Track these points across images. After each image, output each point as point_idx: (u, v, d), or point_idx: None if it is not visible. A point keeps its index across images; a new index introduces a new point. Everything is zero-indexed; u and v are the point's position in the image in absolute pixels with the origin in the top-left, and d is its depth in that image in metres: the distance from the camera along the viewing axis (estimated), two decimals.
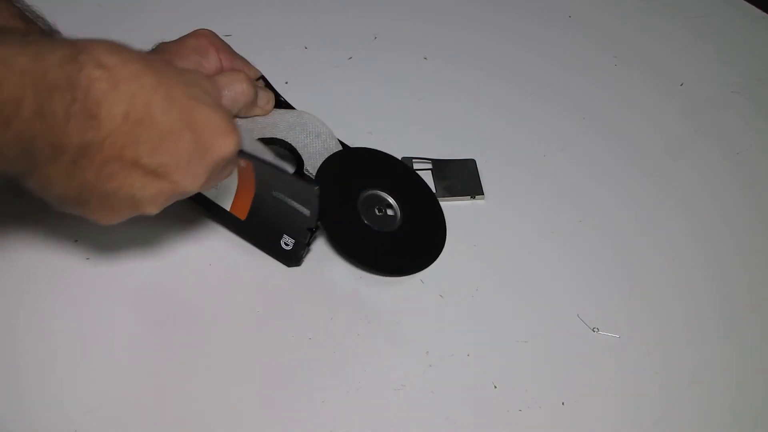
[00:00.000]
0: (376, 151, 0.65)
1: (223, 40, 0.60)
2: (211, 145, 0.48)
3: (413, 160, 0.68)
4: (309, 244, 0.59)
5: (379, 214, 0.62)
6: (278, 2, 0.83)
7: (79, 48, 0.42)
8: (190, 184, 0.48)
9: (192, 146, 0.47)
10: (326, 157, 0.62)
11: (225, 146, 0.48)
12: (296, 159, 0.62)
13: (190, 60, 0.58)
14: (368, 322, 0.58)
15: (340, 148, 0.63)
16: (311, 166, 0.62)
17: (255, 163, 0.57)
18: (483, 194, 0.67)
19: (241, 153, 0.53)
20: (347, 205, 0.61)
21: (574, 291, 0.62)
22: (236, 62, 0.61)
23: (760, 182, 0.72)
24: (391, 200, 0.63)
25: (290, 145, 0.62)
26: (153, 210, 0.49)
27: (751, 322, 0.61)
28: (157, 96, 0.45)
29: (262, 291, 0.59)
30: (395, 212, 0.62)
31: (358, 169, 0.64)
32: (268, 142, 0.62)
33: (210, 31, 0.60)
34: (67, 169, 0.44)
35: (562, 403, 0.55)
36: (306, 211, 0.57)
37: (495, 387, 0.55)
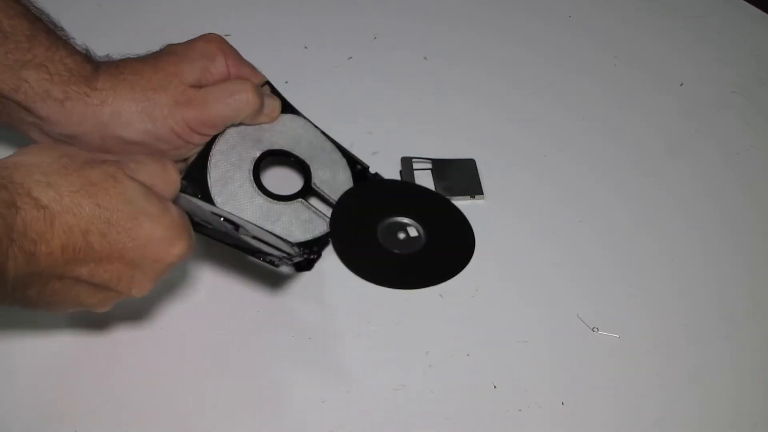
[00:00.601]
0: (392, 180, 0.65)
1: (231, 46, 0.60)
2: (156, 257, 0.46)
3: (413, 160, 0.68)
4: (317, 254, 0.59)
5: (402, 237, 0.62)
6: (278, 2, 0.83)
7: (15, 188, 0.41)
8: (136, 292, 0.47)
9: (135, 261, 0.46)
10: (332, 168, 0.63)
11: (171, 255, 0.47)
12: (304, 172, 0.62)
13: (197, 64, 0.58)
14: (368, 322, 0.58)
15: (344, 160, 0.64)
16: (318, 180, 0.62)
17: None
18: (483, 194, 0.67)
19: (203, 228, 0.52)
20: (367, 236, 0.61)
21: (574, 291, 0.62)
22: (243, 69, 0.60)
23: (760, 182, 0.72)
24: (412, 222, 0.63)
25: (298, 157, 0.62)
26: (104, 310, 0.48)
27: (751, 322, 0.61)
28: (94, 224, 0.44)
29: (262, 291, 0.59)
30: (419, 233, 0.62)
31: (376, 199, 0.64)
32: (277, 153, 0.62)
33: (219, 35, 0.60)
34: (6, 294, 0.43)
35: (562, 403, 0.55)
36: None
37: (495, 387, 0.55)
